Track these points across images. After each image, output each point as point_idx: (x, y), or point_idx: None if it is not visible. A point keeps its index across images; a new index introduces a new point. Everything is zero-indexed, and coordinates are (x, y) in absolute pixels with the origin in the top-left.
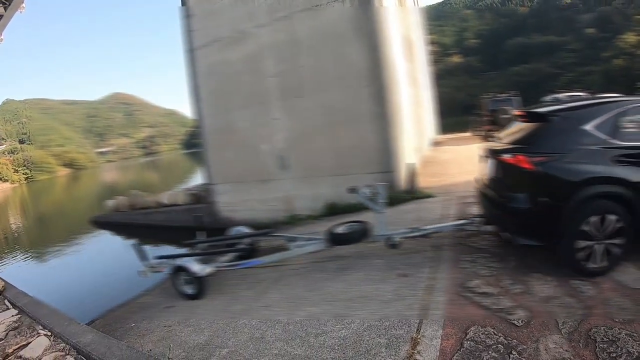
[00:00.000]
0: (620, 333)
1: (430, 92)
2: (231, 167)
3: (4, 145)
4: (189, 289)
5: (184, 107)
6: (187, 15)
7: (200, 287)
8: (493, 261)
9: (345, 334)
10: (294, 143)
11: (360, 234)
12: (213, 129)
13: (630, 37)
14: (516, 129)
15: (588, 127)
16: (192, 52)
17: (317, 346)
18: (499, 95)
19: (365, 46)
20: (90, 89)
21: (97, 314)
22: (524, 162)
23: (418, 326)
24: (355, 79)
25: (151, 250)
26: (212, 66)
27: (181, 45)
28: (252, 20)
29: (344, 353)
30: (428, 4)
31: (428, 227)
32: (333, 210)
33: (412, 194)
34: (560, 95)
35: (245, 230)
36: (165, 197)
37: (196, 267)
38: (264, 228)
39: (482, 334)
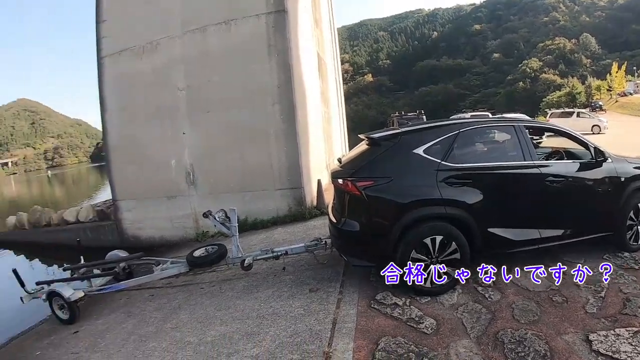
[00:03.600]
0: (526, 333)
1: (341, 109)
2: (137, 183)
3: None
4: (63, 314)
5: (91, 117)
6: (99, 21)
7: (72, 312)
8: None
9: (258, 352)
10: (201, 159)
11: (216, 257)
12: (119, 142)
13: (533, 63)
14: (355, 153)
15: (419, 150)
16: (101, 60)
17: None
18: (406, 113)
19: (277, 64)
20: None
21: None
22: (351, 186)
23: (330, 340)
24: (265, 96)
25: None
26: (120, 76)
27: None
28: (165, 31)
29: None
30: (344, 25)
31: (279, 248)
32: (243, 226)
33: (321, 210)
34: (466, 114)
35: (121, 254)
36: (70, 214)
37: (68, 292)
38: (173, 245)
39: (393, 343)
